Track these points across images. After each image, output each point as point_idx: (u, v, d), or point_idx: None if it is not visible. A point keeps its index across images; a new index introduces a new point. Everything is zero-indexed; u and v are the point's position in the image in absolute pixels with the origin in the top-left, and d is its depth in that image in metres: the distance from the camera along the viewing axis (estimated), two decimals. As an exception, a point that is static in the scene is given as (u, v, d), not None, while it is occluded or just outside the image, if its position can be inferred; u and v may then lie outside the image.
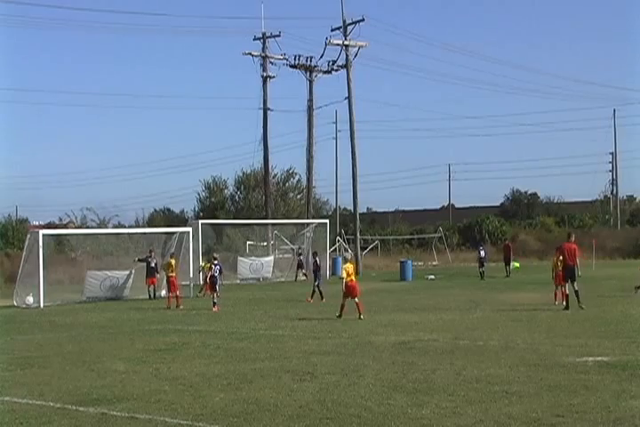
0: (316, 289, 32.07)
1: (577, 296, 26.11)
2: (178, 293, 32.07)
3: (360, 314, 24.61)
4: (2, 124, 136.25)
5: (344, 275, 25.71)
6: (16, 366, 16.56)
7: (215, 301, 29.71)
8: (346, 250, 64.92)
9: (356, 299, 24.94)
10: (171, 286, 32.41)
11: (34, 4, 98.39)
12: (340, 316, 24.97)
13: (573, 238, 27.15)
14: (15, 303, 34.01)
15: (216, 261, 31.20)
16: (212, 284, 30.45)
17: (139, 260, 37.75)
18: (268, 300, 32.18)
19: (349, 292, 25.10)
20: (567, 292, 26.56)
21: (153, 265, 37.02)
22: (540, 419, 10.62)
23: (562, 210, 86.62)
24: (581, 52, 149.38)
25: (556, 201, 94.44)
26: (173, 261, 33.25)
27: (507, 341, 18.74)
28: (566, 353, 16.49)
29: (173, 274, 32.58)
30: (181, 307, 31.03)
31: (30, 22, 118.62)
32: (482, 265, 46.49)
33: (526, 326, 22.02)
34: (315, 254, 35.87)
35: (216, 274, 30.61)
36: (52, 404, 12.29)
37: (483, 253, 47.42)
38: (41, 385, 13.93)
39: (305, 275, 48.58)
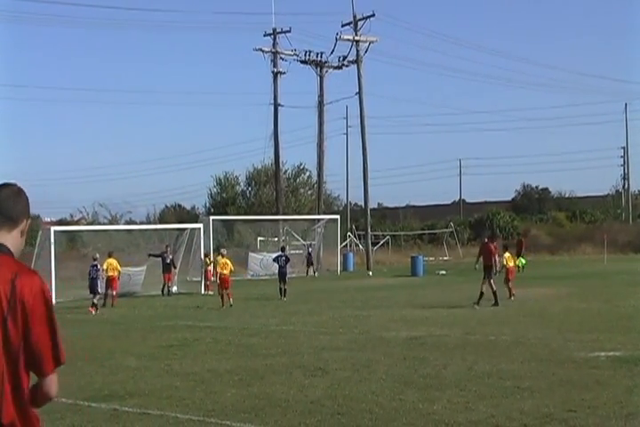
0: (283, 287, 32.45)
1: (480, 296, 26.48)
2: (115, 292, 31.93)
3: (231, 303, 29.24)
4: (14, 121, 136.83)
5: (220, 269, 30.64)
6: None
7: (95, 302, 29.36)
8: (356, 245, 65.00)
9: (229, 290, 29.72)
10: (113, 284, 31.86)
11: (52, 2, 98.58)
12: (222, 306, 29.14)
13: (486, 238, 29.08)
14: (27, 300, 34.13)
15: (95, 262, 30.58)
16: (90, 286, 29.95)
17: (152, 255, 37.80)
18: (277, 296, 32.15)
19: (224, 284, 29.94)
20: (483, 289, 26.74)
21: (168, 261, 37.07)
22: (552, 414, 10.60)
23: (573, 205, 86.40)
24: (593, 47, 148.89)
25: (567, 196, 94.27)
26: (114, 261, 32.23)
27: (518, 336, 18.71)
28: (578, 348, 16.46)
29: (114, 274, 31.92)
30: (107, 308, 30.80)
31: (46, 19, 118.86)
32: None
33: (537, 320, 21.99)
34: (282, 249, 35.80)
35: (94, 276, 30.06)
36: (64, 400, 12.29)
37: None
38: (53, 381, 13.93)
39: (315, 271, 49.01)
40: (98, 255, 31.28)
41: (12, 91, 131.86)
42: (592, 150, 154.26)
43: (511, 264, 29.29)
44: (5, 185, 4.26)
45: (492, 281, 26.71)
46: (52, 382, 4.02)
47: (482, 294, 26.48)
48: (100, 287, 29.99)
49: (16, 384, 3.95)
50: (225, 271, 30.41)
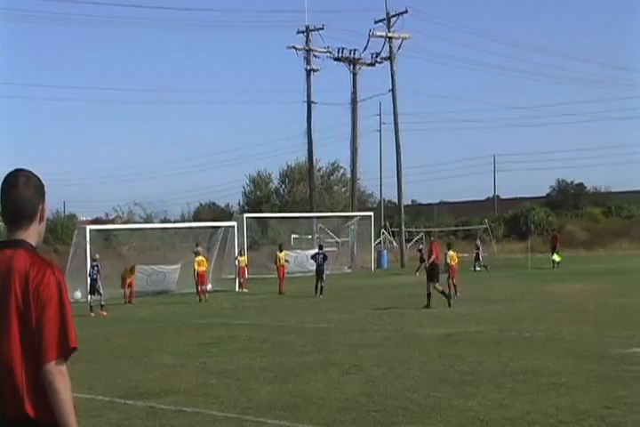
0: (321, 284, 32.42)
1: (447, 296, 25.96)
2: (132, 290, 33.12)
3: (206, 299, 32.04)
4: (51, 121, 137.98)
5: (197, 266, 32.91)
6: (65, 360, 16.72)
7: (92, 304, 28.70)
8: (390, 242, 64.83)
9: (204, 286, 33.07)
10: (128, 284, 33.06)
11: (96, 2, 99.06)
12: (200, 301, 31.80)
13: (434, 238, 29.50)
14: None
15: (95, 262, 29.94)
16: (91, 287, 29.38)
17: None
18: (313, 293, 32.20)
19: (203, 279, 33.03)
20: (430, 290, 25.99)
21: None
22: (589, 411, 10.54)
23: (609, 200, 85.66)
24: (624, 40, 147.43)
25: (603, 191, 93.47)
26: (137, 267, 33.95)
27: (554, 332, 18.63)
28: (614, 344, 16.35)
29: (133, 275, 33.48)
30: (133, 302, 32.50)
31: (85, 20, 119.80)
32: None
33: (573, 317, 21.86)
34: (320, 247, 36.12)
35: (95, 276, 29.36)
36: (100, 397, 12.42)
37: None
38: (90, 379, 14.05)
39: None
40: (97, 255, 30.95)
41: (52, 91, 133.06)
42: (628, 145, 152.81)
43: (454, 262, 28.88)
44: (13, 184, 4.10)
45: (437, 285, 26.06)
46: (55, 370, 3.92)
47: (444, 293, 25.98)
48: (101, 287, 29.49)
49: (37, 378, 3.93)
50: (202, 268, 33.10)
